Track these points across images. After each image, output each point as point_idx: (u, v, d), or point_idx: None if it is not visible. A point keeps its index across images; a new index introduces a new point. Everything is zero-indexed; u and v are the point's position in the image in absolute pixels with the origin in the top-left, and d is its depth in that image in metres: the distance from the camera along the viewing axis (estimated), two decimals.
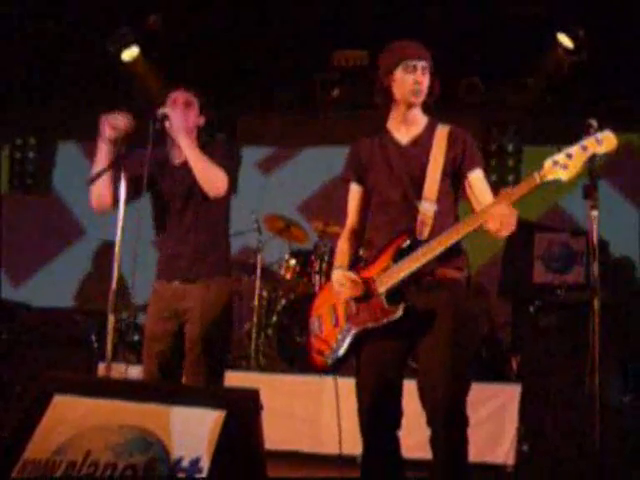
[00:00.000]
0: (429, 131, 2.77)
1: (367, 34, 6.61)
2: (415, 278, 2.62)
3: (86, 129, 7.87)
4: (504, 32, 6.21)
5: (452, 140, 2.73)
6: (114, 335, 2.92)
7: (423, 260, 2.59)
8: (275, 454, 2.44)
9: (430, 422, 2.64)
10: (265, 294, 6.05)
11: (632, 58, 6.16)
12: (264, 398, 2.26)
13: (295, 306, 5.62)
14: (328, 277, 5.83)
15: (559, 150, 2.49)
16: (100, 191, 3.19)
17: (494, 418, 4.64)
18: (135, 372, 3.82)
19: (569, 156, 2.47)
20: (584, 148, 2.46)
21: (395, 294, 2.63)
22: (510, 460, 4.58)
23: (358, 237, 2.88)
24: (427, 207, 2.66)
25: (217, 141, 3.44)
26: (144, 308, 4.47)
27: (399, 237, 2.66)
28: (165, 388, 2.67)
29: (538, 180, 2.50)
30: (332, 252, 5.94)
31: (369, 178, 2.81)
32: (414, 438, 4.86)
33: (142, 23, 6.27)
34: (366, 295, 2.66)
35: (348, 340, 2.69)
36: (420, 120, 2.80)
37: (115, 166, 3.10)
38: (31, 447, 2.27)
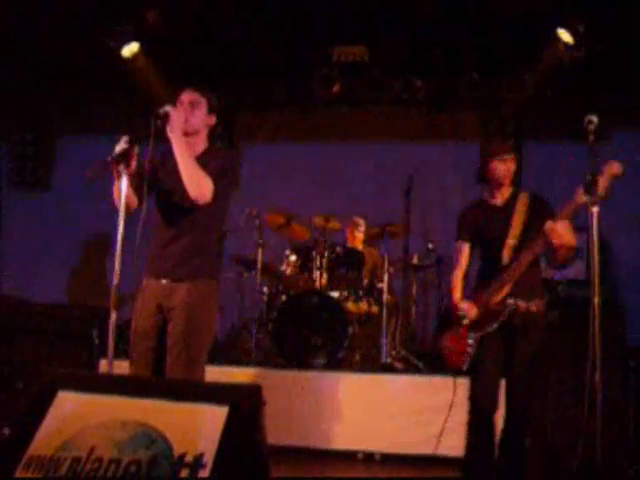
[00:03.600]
0: (514, 197, 3.66)
1: (367, 30, 6.60)
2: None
3: (85, 124, 7.93)
4: (503, 27, 6.19)
5: (531, 204, 3.58)
6: (114, 331, 2.91)
7: (505, 288, 3.51)
8: (273, 449, 2.44)
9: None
10: (266, 289, 6.06)
11: (632, 52, 6.15)
12: (263, 393, 2.27)
13: (296, 301, 5.61)
14: (328, 273, 5.85)
15: None
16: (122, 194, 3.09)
17: None
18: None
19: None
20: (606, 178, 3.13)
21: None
22: None
23: (465, 277, 3.81)
24: (511, 244, 3.56)
25: (219, 149, 3.44)
26: None
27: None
28: (168, 384, 2.68)
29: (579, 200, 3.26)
30: (332, 248, 5.93)
31: (478, 236, 3.74)
32: (415, 436, 4.88)
33: (142, 19, 6.26)
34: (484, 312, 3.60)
35: (473, 345, 3.57)
36: (506, 190, 3.69)
37: (121, 162, 3.04)
38: (36, 443, 2.29)
